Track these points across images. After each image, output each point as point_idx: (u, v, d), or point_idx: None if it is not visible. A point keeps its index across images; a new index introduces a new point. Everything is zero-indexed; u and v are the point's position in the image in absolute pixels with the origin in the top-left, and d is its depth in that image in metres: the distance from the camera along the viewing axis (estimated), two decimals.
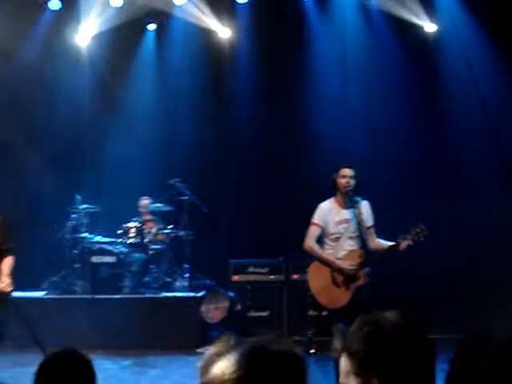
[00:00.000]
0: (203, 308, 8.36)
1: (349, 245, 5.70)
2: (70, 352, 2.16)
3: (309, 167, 9.34)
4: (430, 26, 9.45)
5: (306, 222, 5.82)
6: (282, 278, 8.86)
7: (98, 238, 9.05)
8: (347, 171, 5.73)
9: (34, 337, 5.38)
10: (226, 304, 8.40)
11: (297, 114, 9.81)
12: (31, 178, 9.08)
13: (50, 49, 9.96)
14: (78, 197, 9.11)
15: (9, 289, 5.30)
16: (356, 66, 9.72)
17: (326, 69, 9.84)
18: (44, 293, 8.83)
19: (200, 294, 8.70)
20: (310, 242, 5.75)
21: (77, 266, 8.91)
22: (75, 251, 8.97)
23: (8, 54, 9.62)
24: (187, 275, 9.11)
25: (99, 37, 10.16)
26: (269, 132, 9.86)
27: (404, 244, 5.50)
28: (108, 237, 9.12)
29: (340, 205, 5.77)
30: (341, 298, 5.60)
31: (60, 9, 10.02)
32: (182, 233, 9.31)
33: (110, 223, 9.19)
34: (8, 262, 5.33)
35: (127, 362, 7.28)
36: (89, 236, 9.06)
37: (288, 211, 9.22)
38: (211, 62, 10.15)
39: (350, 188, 5.66)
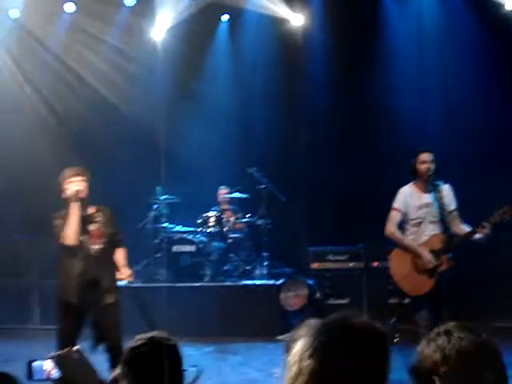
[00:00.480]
0: (282, 296, 8.37)
1: (430, 230, 5.54)
2: (158, 338, 2.18)
3: (387, 151, 9.15)
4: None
5: (387, 208, 5.70)
6: (361, 265, 8.73)
7: (178, 228, 9.23)
8: (426, 156, 5.57)
9: (151, 325, 5.39)
10: (305, 291, 8.37)
11: (372, 99, 9.62)
12: (116, 171, 9.31)
13: (128, 45, 10.19)
14: (159, 188, 9.31)
15: (131, 279, 5.39)
16: (432, 41, 9.45)
17: (402, 48, 9.62)
18: (127, 281, 9.07)
19: (279, 282, 8.71)
20: (392, 228, 5.63)
21: (158, 255, 9.12)
22: (156, 241, 9.18)
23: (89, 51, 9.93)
24: (266, 263, 9.16)
25: (173, 30, 10.31)
26: (344, 118, 9.75)
27: (485, 230, 5.28)
28: (188, 226, 9.27)
29: (420, 189, 5.63)
30: (424, 284, 5.46)
31: (135, 4, 10.23)
32: (260, 221, 9.35)
33: (189, 213, 9.34)
34: (122, 253, 5.36)
35: (209, 349, 7.39)
36: (169, 226, 9.25)
37: (367, 197, 9.09)
38: (285, 50, 10.12)
39: (430, 173, 5.51)
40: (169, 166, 9.92)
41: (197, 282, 8.74)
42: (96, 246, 5.07)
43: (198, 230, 9.12)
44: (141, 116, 9.92)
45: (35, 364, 1.78)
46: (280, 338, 7.98)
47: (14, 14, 10.19)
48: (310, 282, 8.58)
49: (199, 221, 9.15)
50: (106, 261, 5.12)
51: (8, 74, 10.02)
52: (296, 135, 10.08)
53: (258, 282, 8.85)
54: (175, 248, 8.89)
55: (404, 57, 9.57)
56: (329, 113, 9.81)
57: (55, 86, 10.13)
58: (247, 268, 9.19)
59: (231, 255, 9.24)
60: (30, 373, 1.80)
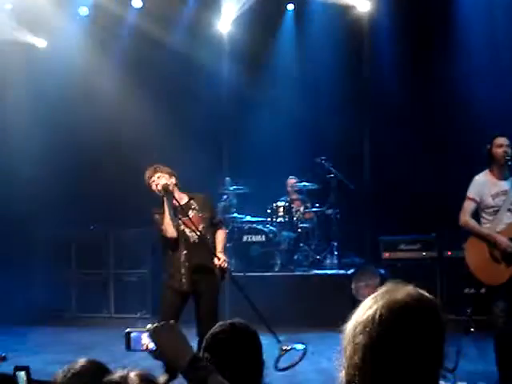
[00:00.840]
0: (354, 285, 8.31)
1: (508, 218, 5.36)
2: (238, 325, 2.21)
3: (460, 137, 8.92)
4: None
5: (461, 196, 5.56)
6: (434, 254, 8.56)
7: (248, 218, 9.29)
8: (503, 140, 5.39)
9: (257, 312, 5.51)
10: (376, 281, 8.29)
11: (441, 86, 9.39)
12: (186, 162, 9.44)
13: (195, 36, 10.31)
14: (228, 179, 9.41)
15: (226, 265, 5.32)
16: (506, 21, 9.11)
17: (473, 32, 9.32)
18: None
19: (350, 272, 8.66)
20: (466, 217, 5.48)
21: (228, 245, 9.21)
22: (226, 231, 9.26)
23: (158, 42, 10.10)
24: (336, 253, 9.12)
25: (239, 21, 10.37)
26: (412, 105, 9.56)
27: None
28: (257, 216, 9.33)
29: (496, 176, 5.45)
30: (500, 274, 5.30)
31: None
32: (329, 211, 9.31)
33: (258, 203, 9.39)
34: (220, 235, 5.48)
35: (281, 338, 7.40)
36: (238, 216, 9.33)
37: (440, 185, 8.90)
38: (351, 37, 10.02)
39: (508, 157, 5.32)
40: (238, 156, 10.03)
41: (267, 272, 8.79)
42: (196, 233, 5.22)
43: (268, 219, 9.15)
44: (209, 107, 10.05)
45: (133, 335, 1.84)
46: None
47: (84, 11, 10.53)
48: (382, 271, 8.49)
49: (268, 211, 9.18)
50: (207, 246, 5.25)
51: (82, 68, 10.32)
52: (364, 123, 9.97)
53: (328, 272, 8.83)
54: (245, 238, 8.97)
55: (475, 41, 9.28)
56: (397, 100, 9.64)
57: (125, 79, 10.36)
58: (317, 257, 9.18)
59: (301, 245, 9.24)
60: (128, 343, 1.86)
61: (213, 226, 5.42)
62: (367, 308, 1.40)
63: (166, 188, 5.20)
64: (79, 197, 10.06)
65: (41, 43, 10.83)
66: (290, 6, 10.60)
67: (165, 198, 5.22)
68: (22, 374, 1.55)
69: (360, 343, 1.37)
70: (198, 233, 5.19)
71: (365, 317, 1.39)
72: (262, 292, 8.32)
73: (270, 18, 10.49)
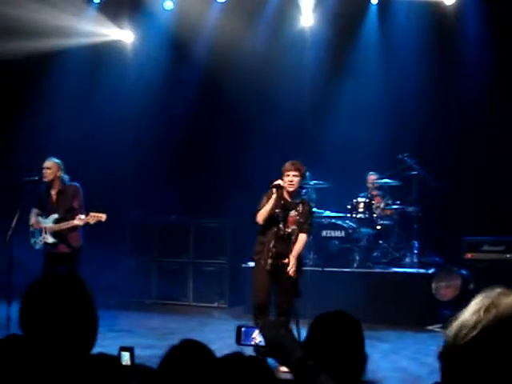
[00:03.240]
0: (434, 285, 8.15)
1: None
2: (339, 313, 2.23)
3: None
4: None
5: None
6: None
7: (327, 213, 9.25)
8: None
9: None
10: (458, 282, 8.10)
11: None
12: (266, 156, 9.51)
13: (277, 33, 10.34)
14: (308, 173, 9.38)
15: (291, 271, 5.93)
16: None
17: None
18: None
19: (430, 271, 8.50)
20: None
21: (307, 239, 9.21)
22: None
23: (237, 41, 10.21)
24: (416, 251, 8.95)
25: (322, 15, 10.33)
26: (500, 101, 9.24)
27: None
28: (336, 212, 9.28)
29: None
30: None
31: None
32: (410, 208, 9.14)
33: (338, 198, 9.34)
34: (300, 238, 6.14)
35: None
36: (318, 211, 9.30)
37: None
38: (437, 32, 9.76)
39: None
40: (318, 151, 9.99)
41: (345, 268, 8.74)
42: (288, 230, 6.07)
43: (347, 215, 9.09)
44: (291, 103, 10.06)
45: (244, 330, 1.90)
46: (431, 328, 7.81)
47: (169, 5, 10.78)
48: (464, 272, 8.28)
49: (348, 206, 9.11)
50: (293, 243, 6.05)
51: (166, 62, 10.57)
52: (449, 120, 9.72)
53: (408, 270, 8.69)
54: (325, 233, 8.95)
55: None
56: (483, 96, 9.36)
57: (209, 73, 10.53)
58: (397, 255, 9.05)
59: (380, 242, 9.14)
60: (238, 337, 1.92)
61: (301, 228, 6.12)
62: (475, 312, 1.37)
63: (277, 187, 5.97)
64: (164, 187, 10.32)
65: (128, 37, 11.14)
66: (375, 0, 10.45)
67: (273, 191, 5.98)
68: (126, 355, 1.63)
69: (462, 347, 1.35)
70: (290, 230, 6.06)
71: (471, 322, 1.36)
72: (339, 288, 8.31)
73: (355, 12, 10.37)
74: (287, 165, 6.09)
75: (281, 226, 6.06)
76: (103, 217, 6.71)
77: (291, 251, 6.02)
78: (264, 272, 6.06)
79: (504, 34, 9.26)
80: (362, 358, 2.14)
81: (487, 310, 1.36)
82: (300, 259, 6.17)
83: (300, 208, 6.13)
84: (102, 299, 9.11)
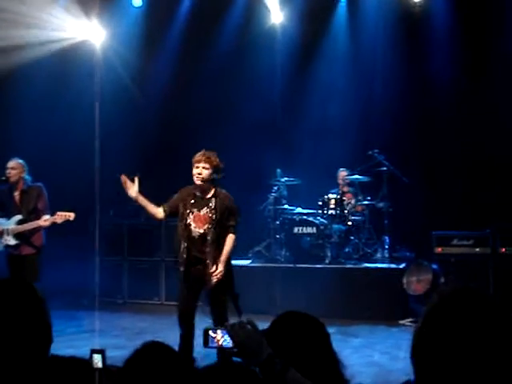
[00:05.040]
0: (405, 280, 8.23)
1: None
2: (300, 314, 2.21)
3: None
4: None
5: None
6: (488, 250, 8.44)
7: (299, 210, 9.28)
8: None
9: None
10: (429, 276, 8.18)
11: (500, 75, 9.15)
12: (237, 154, 9.49)
13: (246, 29, 10.33)
14: (279, 170, 9.42)
15: (216, 279, 5.31)
16: None
17: None
18: (249, 261, 9.28)
19: (401, 266, 8.58)
20: None
21: (279, 236, 9.24)
22: (277, 222, 9.30)
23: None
24: (387, 246, 9.04)
25: (291, 11, 10.34)
26: (469, 94, 9.37)
27: None
28: (308, 208, 9.32)
29: None
30: None
31: None
32: (381, 204, 9.23)
33: (309, 195, 9.37)
34: (228, 241, 5.46)
35: (331, 330, 7.31)
36: (289, 208, 9.33)
37: (495, 179, 8.72)
38: (405, 26, 9.86)
39: None
40: (289, 148, 10.02)
41: (317, 264, 8.78)
42: (200, 230, 5.36)
43: (319, 211, 9.13)
44: (261, 100, 10.07)
45: (211, 332, 1.88)
46: (402, 322, 7.89)
47: (137, 2, 10.67)
48: (435, 266, 8.38)
49: (319, 203, 9.15)
50: (210, 244, 5.35)
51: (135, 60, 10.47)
52: (417, 116, 9.81)
53: (379, 265, 8.77)
54: (296, 229, 8.96)
55: None
56: (452, 90, 9.47)
57: (177, 71, 10.47)
58: (368, 251, 9.12)
59: (352, 237, 9.20)
60: (205, 340, 1.90)
61: (225, 227, 5.43)
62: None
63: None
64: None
65: (98, 35, 10.94)
66: None
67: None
68: (98, 357, 1.60)
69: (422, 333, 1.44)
70: (202, 230, 5.34)
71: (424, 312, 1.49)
72: (311, 284, 8.35)
73: (324, 7, 10.44)
74: (197, 155, 5.39)
75: (192, 226, 5.38)
76: (71, 215, 6.61)
77: (209, 254, 5.33)
78: (182, 277, 5.42)
79: (471, 25, 9.37)
80: (329, 358, 2.13)
81: (433, 298, 1.45)
82: (229, 263, 5.50)
83: (212, 203, 5.39)
84: (74, 299, 9.04)
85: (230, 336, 1.85)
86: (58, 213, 6.61)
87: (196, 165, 5.34)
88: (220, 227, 5.39)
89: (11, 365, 1.67)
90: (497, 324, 1.38)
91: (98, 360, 1.60)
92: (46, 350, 1.79)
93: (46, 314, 1.84)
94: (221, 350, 1.89)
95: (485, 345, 1.36)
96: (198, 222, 5.36)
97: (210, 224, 5.34)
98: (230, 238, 5.44)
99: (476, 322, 1.38)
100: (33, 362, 1.70)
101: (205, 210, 5.36)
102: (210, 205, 5.37)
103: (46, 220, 6.65)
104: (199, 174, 5.31)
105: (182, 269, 5.37)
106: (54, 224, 6.68)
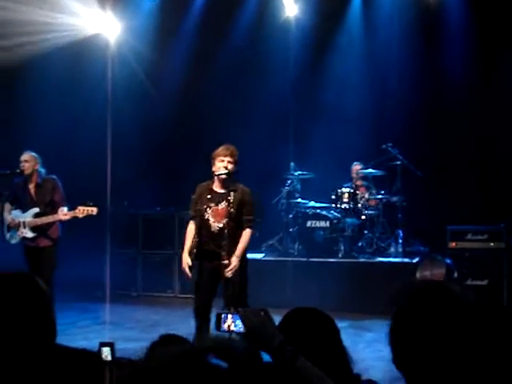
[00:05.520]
0: (419, 274, 8.16)
1: None
2: (310, 310, 2.22)
3: None
4: None
5: None
6: (502, 245, 8.36)
7: (312, 204, 9.27)
8: None
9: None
10: (442, 271, 8.08)
11: None
12: (252, 148, 9.51)
13: (262, 20, 10.31)
14: (292, 164, 9.41)
15: (230, 274, 5.29)
16: None
17: None
18: (263, 255, 9.29)
19: (415, 260, 8.55)
20: None
21: (292, 230, 9.25)
22: (290, 216, 9.31)
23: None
24: (401, 241, 9.01)
25: (306, 5, 10.31)
26: (484, 92, 9.30)
27: None
28: (321, 202, 9.31)
29: None
30: None
31: None
32: (394, 198, 9.20)
33: (323, 189, 9.36)
34: (244, 236, 5.44)
35: (343, 324, 7.36)
36: (302, 201, 9.33)
37: (507, 173, 8.66)
38: (420, 20, 9.81)
39: None
40: (303, 141, 10.01)
41: (330, 258, 8.77)
42: (219, 225, 5.35)
43: (332, 205, 9.12)
44: (276, 94, 10.06)
45: (223, 316, 1.89)
46: None
47: None
48: (448, 261, 8.32)
49: (333, 197, 9.14)
50: (227, 238, 5.33)
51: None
52: (432, 109, 9.76)
53: (392, 260, 8.75)
54: (309, 223, 8.96)
55: None
56: (466, 84, 9.41)
57: (191, 65, 10.48)
58: (381, 245, 9.10)
59: (365, 232, 9.18)
60: (218, 324, 1.91)
61: (242, 222, 5.43)
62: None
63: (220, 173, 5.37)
64: (149, 179, 10.29)
65: (113, 29, 10.93)
66: None
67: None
68: (107, 350, 1.62)
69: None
70: (220, 224, 5.33)
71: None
72: (325, 278, 8.36)
73: (338, 1, 10.41)
74: (221, 149, 5.39)
75: (211, 221, 5.37)
76: (94, 210, 6.50)
77: (225, 247, 5.32)
78: (201, 271, 5.42)
79: (485, 20, 9.29)
80: (339, 353, 2.13)
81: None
82: (244, 258, 5.46)
83: (231, 197, 5.37)
84: (88, 292, 9.13)
85: (242, 321, 1.85)
86: (80, 207, 6.50)
87: (221, 158, 5.34)
88: (238, 221, 5.38)
89: (14, 358, 1.69)
90: (463, 320, 1.45)
91: (107, 353, 1.62)
92: (49, 343, 1.81)
93: (48, 308, 1.85)
94: (230, 336, 1.90)
95: (452, 339, 1.45)
96: (216, 217, 5.36)
97: (228, 218, 5.33)
98: (246, 233, 5.43)
99: (444, 317, 1.45)
100: (36, 355, 1.72)
101: (223, 204, 5.36)
102: (229, 198, 5.36)
103: (65, 214, 6.60)
104: (225, 167, 5.32)
105: (191, 262, 5.36)
106: (76, 219, 6.62)
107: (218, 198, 5.39)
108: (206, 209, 5.39)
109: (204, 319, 5.37)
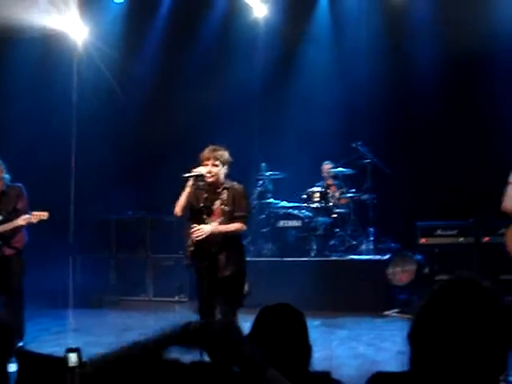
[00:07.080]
0: (390, 271, 8.29)
1: None
2: (283, 306, 2.23)
3: (494, 121, 8.79)
4: None
5: (501, 182, 5.48)
6: (471, 240, 8.49)
7: (284, 203, 9.31)
8: None
9: None
10: (413, 267, 8.26)
11: (486, 69, 9.21)
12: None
13: (231, 20, 10.32)
14: (264, 164, 9.44)
15: (196, 235, 5.20)
16: None
17: None
18: None
19: (386, 257, 8.64)
20: (509, 203, 5.39)
21: (264, 230, 9.27)
22: (262, 216, 9.33)
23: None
24: (372, 238, 9.10)
25: (274, 5, 10.34)
26: (452, 91, 9.43)
27: None
28: (292, 202, 9.35)
29: None
30: None
31: None
32: (365, 196, 9.29)
33: (294, 188, 9.40)
34: (234, 223, 5.31)
35: (316, 323, 7.45)
36: (274, 201, 9.36)
37: (478, 169, 8.79)
38: (387, 19, 9.90)
39: None
40: (273, 142, 10.03)
41: (303, 257, 8.82)
42: (213, 223, 5.26)
43: (303, 205, 9.17)
44: (244, 94, 10.06)
45: None
46: (387, 313, 7.95)
47: None
48: (419, 257, 8.44)
49: (304, 196, 9.19)
50: (221, 237, 5.26)
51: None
52: (401, 109, 9.86)
53: (364, 257, 8.82)
54: (281, 223, 9.00)
55: None
56: (432, 83, 9.53)
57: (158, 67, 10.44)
58: (353, 243, 9.18)
59: (337, 230, 9.24)
60: None
61: (234, 218, 5.34)
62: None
63: (195, 176, 5.23)
64: (121, 184, 10.21)
65: (80, 31, 10.83)
66: None
67: (189, 182, 5.24)
68: (73, 356, 1.62)
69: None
70: (216, 223, 5.25)
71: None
72: (298, 277, 8.39)
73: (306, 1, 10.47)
74: (205, 152, 5.26)
75: (206, 220, 5.31)
76: (45, 215, 6.52)
77: (221, 246, 5.27)
78: (200, 271, 5.39)
79: (452, 22, 9.41)
80: (306, 349, 2.16)
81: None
82: (243, 269, 5.40)
83: (224, 195, 5.32)
84: (60, 299, 8.98)
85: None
86: (33, 213, 6.53)
87: (205, 162, 5.23)
88: (232, 219, 5.30)
89: None
90: (492, 313, 1.44)
91: (73, 359, 1.61)
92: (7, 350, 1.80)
93: None
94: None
95: (478, 333, 1.41)
96: (212, 216, 5.31)
97: (223, 217, 5.29)
98: (237, 224, 5.30)
99: (473, 311, 1.43)
100: None
101: (218, 204, 5.31)
102: (222, 197, 5.31)
103: (23, 219, 6.56)
104: (209, 172, 5.20)
105: (187, 262, 5.45)
106: (30, 224, 6.58)
107: (212, 197, 5.33)
108: (201, 208, 5.34)
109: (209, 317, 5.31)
